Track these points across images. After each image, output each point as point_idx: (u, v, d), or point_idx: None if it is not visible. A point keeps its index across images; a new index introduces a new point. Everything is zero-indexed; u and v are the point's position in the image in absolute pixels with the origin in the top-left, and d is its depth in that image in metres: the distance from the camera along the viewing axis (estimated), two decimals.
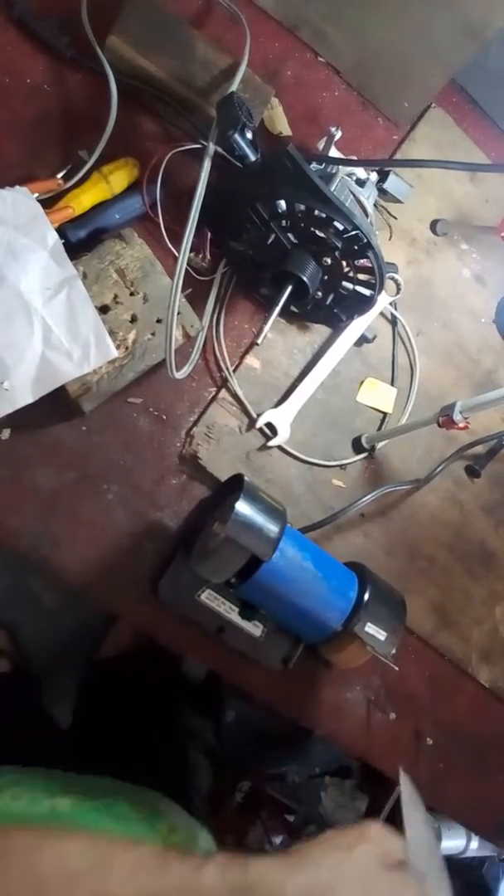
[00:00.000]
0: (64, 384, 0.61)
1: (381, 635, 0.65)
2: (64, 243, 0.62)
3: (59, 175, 0.67)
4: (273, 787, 1.32)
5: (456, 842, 1.19)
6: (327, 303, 0.74)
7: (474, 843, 1.20)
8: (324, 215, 0.62)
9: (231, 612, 0.70)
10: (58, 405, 0.64)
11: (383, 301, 0.83)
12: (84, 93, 0.71)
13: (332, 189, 0.65)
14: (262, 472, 0.77)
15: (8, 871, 0.43)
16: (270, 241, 0.67)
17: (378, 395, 0.84)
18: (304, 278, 0.66)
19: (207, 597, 0.69)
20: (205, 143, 0.66)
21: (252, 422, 0.76)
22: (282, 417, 0.77)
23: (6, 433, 0.65)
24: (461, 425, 0.70)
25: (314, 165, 0.70)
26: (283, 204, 0.64)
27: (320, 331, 0.82)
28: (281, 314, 0.69)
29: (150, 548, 0.71)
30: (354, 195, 0.72)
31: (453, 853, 1.20)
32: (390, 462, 0.84)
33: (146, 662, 1.29)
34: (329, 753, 1.35)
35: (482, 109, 0.94)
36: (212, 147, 0.65)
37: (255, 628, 0.71)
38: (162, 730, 1.12)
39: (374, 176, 0.78)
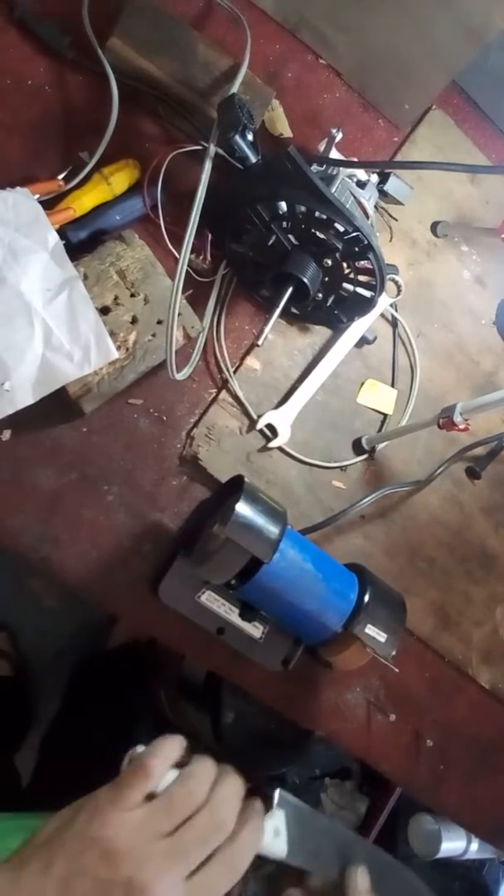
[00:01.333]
0: (64, 385, 0.61)
1: (382, 637, 0.65)
2: (65, 244, 0.62)
3: (60, 176, 0.67)
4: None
5: (456, 843, 1.19)
6: (328, 304, 0.74)
7: (474, 845, 1.20)
8: (324, 217, 0.62)
9: (231, 614, 0.70)
10: (58, 406, 0.64)
11: (384, 302, 0.83)
12: (85, 94, 0.71)
13: (333, 191, 0.65)
14: (262, 474, 0.77)
15: None
16: (271, 242, 0.67)
17: (378, 396, 0.84)
18: (305, 280, 0.66)
19: (207, 598, 0.69)
20: (205, 144, 0.66)
21: (252, 423, 0.76)
22: (282, 419, 0.77)
23: (7, 434, 0.65)
24: (461, 427, 0.70)
25: (315, 167, 0.70)
26: (283, 205, 0.64)
27: (321, 332, 0.82)
28: (281, 315, 0.69)
29: (151, 549, 0.71)
30: (355, 197, 0.72)
31: (453, 855, 1.20)
32: (391, 463, 0.84)
33: (134, 660, 1.29)
34: (329, 755, 1.35)
35: (483, 111, 0.94)
36: (212, 148, 0.65)
37: (255, 629, 0.71)
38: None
39: (374, 177, 0.78)
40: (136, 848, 0.39)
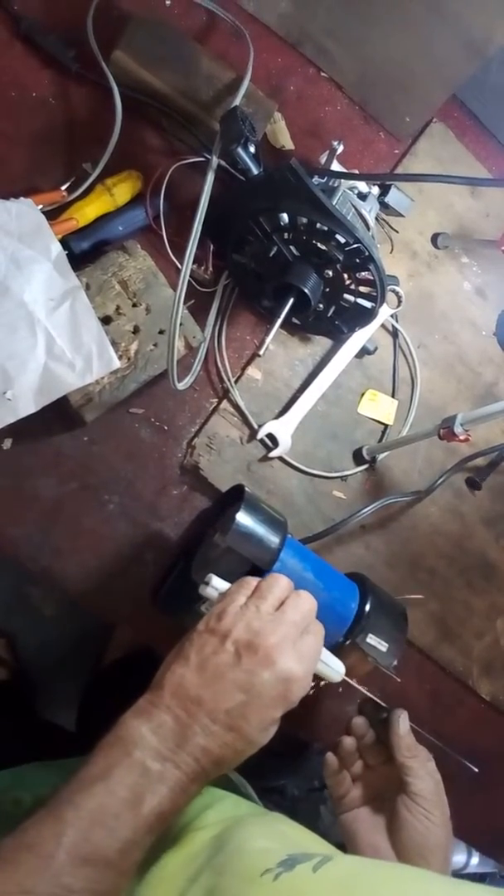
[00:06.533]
0: (66, 394, 0.61)
1: (383, 646, 0.65)
2: (67, 254, 0.63)
3: (64, 187, 0.68)
4: (272, 801, 1.31)
5: (457, 857, 1.18)
6: (329, 315, 0.74)
7: (475, 859, 1.19)
8: (326, 228, 0.63)
9: None
10: (60, 415, 0.65)
11: (384, 313, 0.84)
12: (89, 106, 0.71)
13: (334, 202, 0.66)
14: (263, 483, 0.77)
15: None
16: (272, 253, 0.68)
17: (379, 406, 0.84)
18: (306, 290, 0.66)
19: (208, 607, 0.69)
20: (208, 156, 0.66)
21: (253, 433, 0.76)
22: (283, 428, 0.77)
23: (8, 443, 0.65)
24: (462, 437, 0.70)
25: (316, 179, 0.70)
26: (285, 217, 0.64)
27: (322, 342, 0.82)
28: (282, 326, 0.69)
29: (151, 558, 0.71)
30: (356, 208, 0.72)
31: (454, 869, 1.19)
32: (391, 474, 0.84)
33: (148, 660, 1.28)
34: None
35: (483, 124, 0.94)
36: (215, 160, 0.65)
37: None
38: None
39: (375, 189, 0.78)
40: (250, 623, 0.49)
